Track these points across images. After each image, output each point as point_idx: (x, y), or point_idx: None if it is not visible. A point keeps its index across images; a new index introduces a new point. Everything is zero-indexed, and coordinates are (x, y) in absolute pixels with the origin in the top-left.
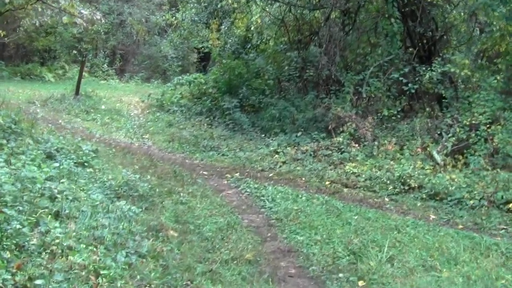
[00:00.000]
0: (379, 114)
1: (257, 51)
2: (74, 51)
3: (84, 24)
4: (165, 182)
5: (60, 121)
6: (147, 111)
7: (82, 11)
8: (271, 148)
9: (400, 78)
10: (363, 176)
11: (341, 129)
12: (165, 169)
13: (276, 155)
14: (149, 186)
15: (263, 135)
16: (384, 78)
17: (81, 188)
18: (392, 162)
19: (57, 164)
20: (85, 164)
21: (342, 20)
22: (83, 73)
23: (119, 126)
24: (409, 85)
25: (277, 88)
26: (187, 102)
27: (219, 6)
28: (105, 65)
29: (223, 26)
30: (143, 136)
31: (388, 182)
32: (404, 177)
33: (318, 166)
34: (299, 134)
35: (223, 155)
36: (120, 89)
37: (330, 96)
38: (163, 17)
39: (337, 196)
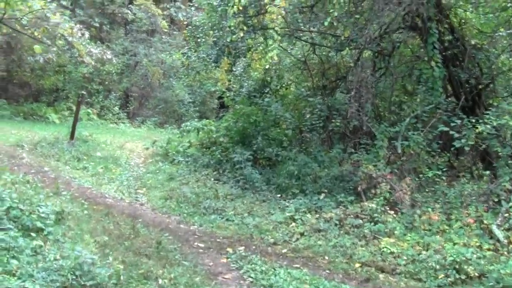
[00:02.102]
0: (420, 175)
1: (276, 97)
2: (83, 92)
3: (93, 63)
4: (142, 261)
5: (45, 168)
6: (150, 160)
7: (92, 49)
8: (287, 214)
9: (451, 132)
10: (404, 257)
11: (373, 191)
12: (148, 240)
13: (293, 224)
14: (112, 271)
15: (279, 195)
16: (425, 130)
17: (13, 273)
18: (439, 238)
19: None
20: (35, 233)
21: (373, 63)
22: (92, 116)
23: (112, 177)
24: (462, 141)
25: (297, 140)
26: (194, 152)
27: (228, 40)
28: (116, 107)
29: (239, 68)
30: (138, 191)
31: (438, 267)
32: (459, 261)
33: (346, 241)
34: (321, 196)
35: (227, 220)
36: (128, 134)
37: (359, 151)
38: (172, 56)
39: (370, 285)
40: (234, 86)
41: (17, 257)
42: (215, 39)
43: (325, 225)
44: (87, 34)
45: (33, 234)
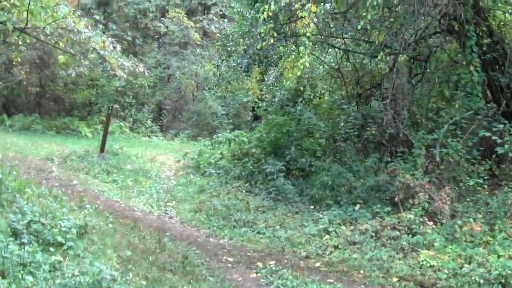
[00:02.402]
0: (460, 184)
1: (310, 106)
2: (113, 104)
3: (125, 76)
4: (167, 276)
5: (74, 182)
6: (181, 173)
7: (124, 62)
8: (321, 226)
9: (493, 137)
10: (445, 271)
11: (411, 201)
12: (174, 254)
13: (327, 236)
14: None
15: (312, 207)
16: (464, 137)
17: None
18: (483, 250)
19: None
20: (55, 248)
21: (409, 69)
22: (125, 129)
23: (142, 190)
24: (505, 146)
25: (331, 150)
26: (226, 164)
27: (258, 47)
28: (148, 121)
29: (271, 77)
30: (167, 204)
31: (482, 282)
32: (505, 275)
33: (382, 254)
34: (357, 207)
35: (258, 233)
36: (161, 147)
37: (396, 160)
38: (205, 68)
39: None
40: (267, 96)
41: (33, 273)
42: (245, 47)
43: (361, 237)
44: (118, 47)
45: (52, 249)
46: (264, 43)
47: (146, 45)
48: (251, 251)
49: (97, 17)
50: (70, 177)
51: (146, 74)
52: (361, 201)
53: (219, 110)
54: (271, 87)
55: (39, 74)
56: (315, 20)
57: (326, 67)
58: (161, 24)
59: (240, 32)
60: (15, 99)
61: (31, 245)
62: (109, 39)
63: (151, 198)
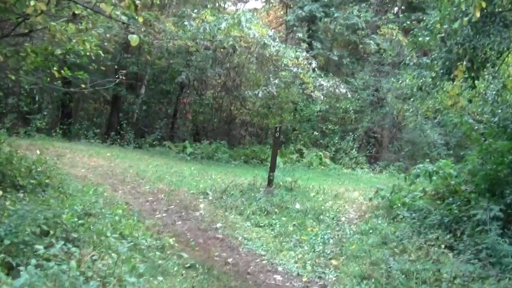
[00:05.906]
0: None
1: None
2: (315, 132)
3: (322, 97)
4: None
5: (218, 225)
6: (368, 215)
7: (323, 82)
8: None
9: None
10: None
11: None
12: None
13: None
14: None
15: None
16: None
17: None
18: None
19: None
20: None
21: None
22: (325, 160)
23: (302, 240)
24: None
25: None
26: (425, 205)
27: (454, 25)
28: (353, 150)
29: (490, 89)
30: (329, 262)
31: None
32: None
33: None
34: None
35: None
36: (363, 181)
37: None
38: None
39: None
40: (486, 116)
41: None
42: (443, 35)
43: None
44: (314, 64)
45: None
46: (466, 18)
47: (354, 65)
48: None
49: (300, 35)
50: (216, 218)
51: (349, 95)
52: None
53: (437, 138)
54: (490, 101)
55: (229, 96)
56: None
57: None
58: (372, 42)
59: (437, 17)
60: (204, 125)
61: None
62: (304, 54)
63: (310, 251)
